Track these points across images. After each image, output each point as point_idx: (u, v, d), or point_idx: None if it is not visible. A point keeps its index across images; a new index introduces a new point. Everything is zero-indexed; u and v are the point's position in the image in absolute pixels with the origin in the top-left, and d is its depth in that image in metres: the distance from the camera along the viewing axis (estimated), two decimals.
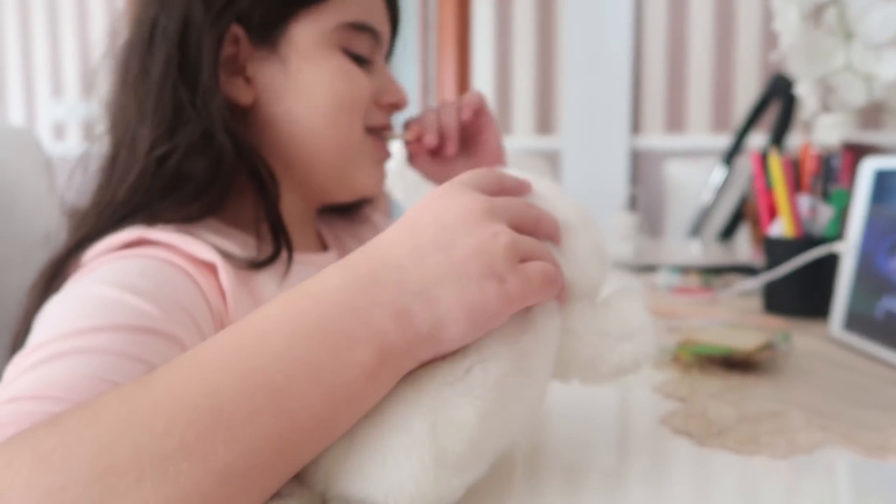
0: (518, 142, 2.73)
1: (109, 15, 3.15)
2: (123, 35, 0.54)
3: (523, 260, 0.32)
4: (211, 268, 0.46)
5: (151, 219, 0.48)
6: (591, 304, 0.38)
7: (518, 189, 0.37)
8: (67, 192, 0.56)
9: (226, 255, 0.47)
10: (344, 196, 0.61)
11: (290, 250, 0.53)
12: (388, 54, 0.64)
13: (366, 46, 0.57)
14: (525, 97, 2.71)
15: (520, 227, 0.34)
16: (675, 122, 2.57)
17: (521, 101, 2.72)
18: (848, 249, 0.68)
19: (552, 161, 2.58)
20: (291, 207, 0.58)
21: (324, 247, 0.64)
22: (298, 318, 0.29)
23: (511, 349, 0.32)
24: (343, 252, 0.63)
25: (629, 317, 0.38)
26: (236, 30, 0.53)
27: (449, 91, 2.62)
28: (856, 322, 0.64)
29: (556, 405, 0.49)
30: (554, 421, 0.46)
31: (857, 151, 0.90)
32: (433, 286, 0.30)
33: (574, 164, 2.64)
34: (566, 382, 0.38)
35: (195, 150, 0.50)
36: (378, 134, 0.60)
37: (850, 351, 0.64)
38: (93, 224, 0.49)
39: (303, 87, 0.54)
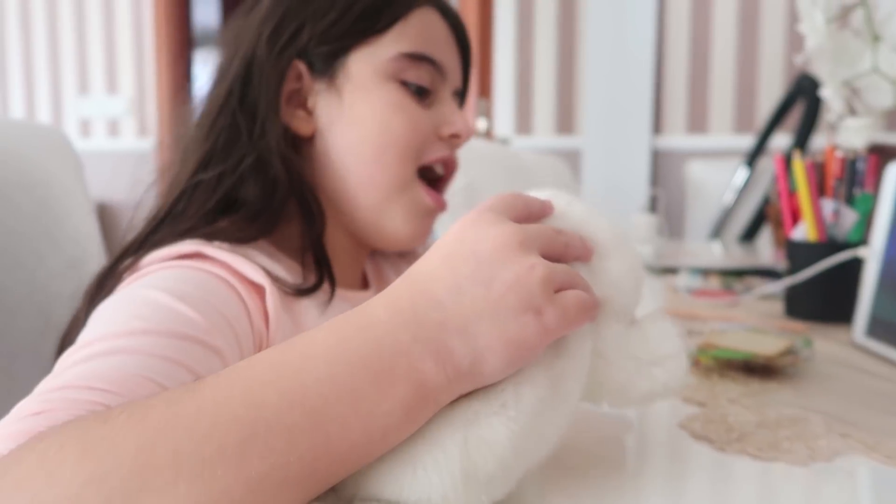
0: (539, 141, 2.72)
1: (135, 13, 3.19)
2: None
3: (558, 289, 0.33)
4: (259, 290, 0.48)
5: (209, 236, 0.50)
6: (624, 326, 0.38)
7: (543, 212, 0.38)
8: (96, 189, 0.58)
9: (274, 279, 0.48)
10: (379, 243, 0.59)
11: (333, 282, 0.54)
12: (464, 88, 0.63)
13: (426, 77, 0.56)
14: (546, 97, 2.70)
15: (550, 254, 0.34)
16: (697, 122, 2.55)
17: (542, 101, 2.72)
18: (872, 254, 0.67)
19: (573, 161, 2.57)
20: (337, 242, 0.58)
21: (366, 284, 0.64)
22: (343, 344, 0.30)
23: (545, 373, 0.33)
24: (383, 287, 0.63)
25: (661, 341, 0.38)
26: (299, 65, 0.55)
27: (471, 90, 2.62)
28: (879, 328, 0.64)
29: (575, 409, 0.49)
30: (572, 425, 0.47)
31: (882, 154, 0.89)
32: (473, 323, 0.31)
33: (595, 164, 2.63)
34: (597, 405, 0.38)
35: (250, 176, 0.52)
36: (433, 176, 0.59)
37: (873, 357, 0.63)
38: (148, 234, 0.51)
39: (355, 120, 0.55)
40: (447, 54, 0.59)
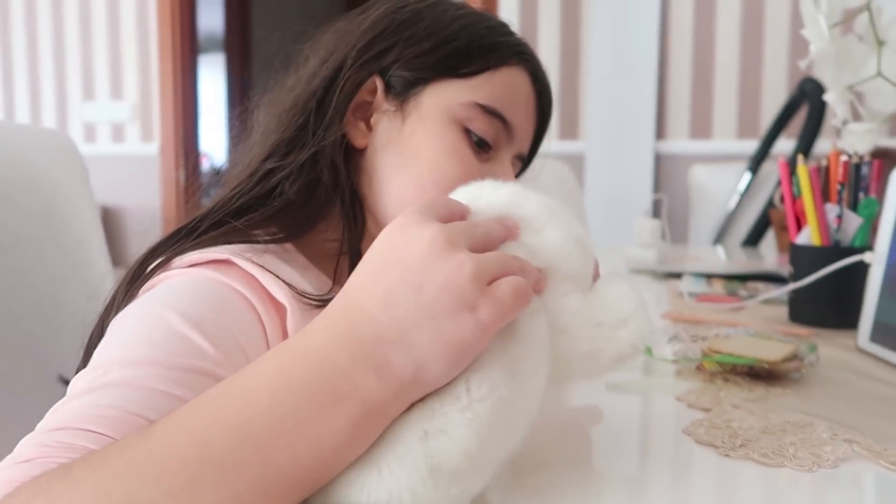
0: (542, 146, 2.72)
1: (140, 19, 3.21)
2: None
3: (492, 280, 0.33)
4: (280, 310, 0.47)
5: (240, 235, 0.50)
6: (580, 295, 0.37)
7: (465, 209, 0.38)
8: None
9: (300, 295, 0.48)
10: None
11: None
12: (528, 159, 0.63)
13: (491, 132, 0.56)
14: None
15: (476, 247, 0.34)
16: (701, 127, 2.55)
17: None
18: (876, 259, 0.67)
19: (576, 166, 2.57)
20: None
21: None
22: (283, 374, 0.31)
23: (498, 359, 0.32)
24: None
25: (620, 303, 0.38)
26: (377, 81, 0.56)
27: None
28: (884, 333, 0.64)
29: (579, 414, 0.49)
30: (577, 430, 0.47)
31: (886, 159, 0.89)
32: (408, 332, 0.31)
33: (598, 169, 2.63)
34: (570, 381, 0.38)
35: (300, 172, 0.53)
36: None
37: (878, 362, 0.63)
38: (187, 226, 0.51)
39: (407, 148, 0.55)
40: (522, 117, 0.58)
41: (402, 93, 0.56)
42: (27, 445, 0.35)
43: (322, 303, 0.50)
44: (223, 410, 0.30)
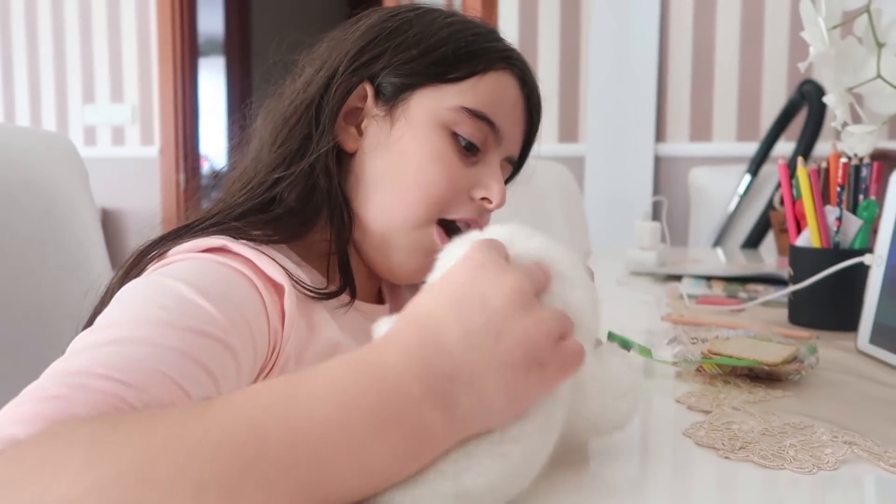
0: (542, 148, 2.72)
1: (140, 23, 3.21)
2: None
3: (556, 339, 0.34)
4: (279, 289, 0.48)
5: (238, 232, 0.51)
6: (592, 355, 0.39)
7: (507, 255, 0.38)
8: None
9: (295, 281, 0.49)
10: (383, 272, 0.60)
11: (353, 290, 0.55)
12: (522, 159, 0.64)
13: (478, 136, 0.57)
14: (550, 105, 2.71)
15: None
16: (701, 129, 2.55)
17: (545, 109, 2.72)
18: (876, 261, 0.67)
19: (576, 168, 2.57)
20: (358, 254, 0.59)
21: (381, 298, 0.65)
22: (353, 389, 0.31)
23: (537, 410, 0.34)
24: (398, 303, 0.64)
25: (621, 374, 0.40)
26: (367, 87, 0.57)
27: None
28: (884, 335, 0.64)
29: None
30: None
31: (886, 161, 0.89)
32: (482, 376, 0.31)
33: (598, 171, 2.63)
34: (572, 438, 0.39)
35: (297, 179, 0.54)
36: (454, 227, 0.59)
37: (878, 364, 0.63)
38: (187, 226, 0.52)
39: (394, 152, 0.56)
40: (510, 121, 0.59)
41: (391, 98, 0.57)
42: (52, 380, 0.35)
43: (318, 294, 0.51)
44: (285, 409, 0.30)
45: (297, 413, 0.30)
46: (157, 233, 0.53)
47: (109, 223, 3.20)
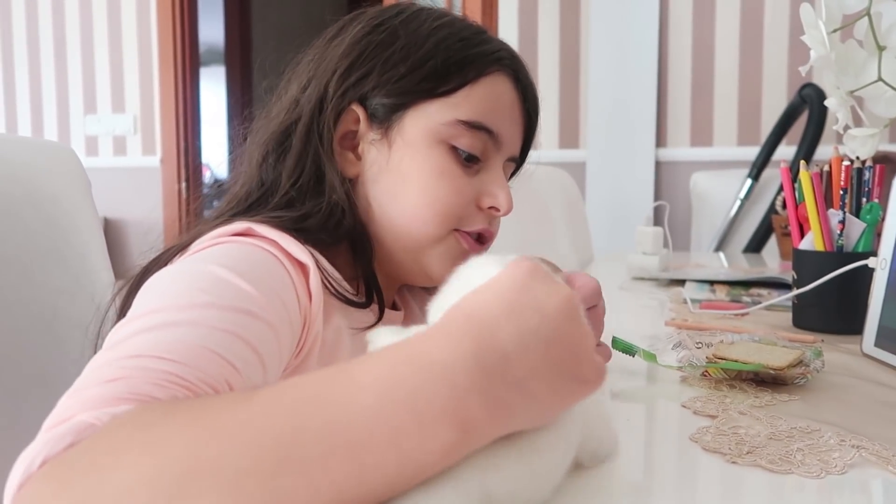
0: (543, 154, 2.72)
1: (141, 33, 3.22)
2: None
3: None
4: (304, 268, 0.49)
5: (260, 218, 0.52)
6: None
7: None
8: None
9: (323, 273, 0.50)
10: (423, 281, 0.61)
11: (382, 308, 0.57)
12: (524, 155, 0.64)
13: (478, 146, 0.56)
14: (550, 110, 2.71)
15: None
16: (702, 134, 2.55)
17: (546, 115, 2.72)
18: (880, 264, 0.67)
19: (577, 174, 2.57)
20: (378, 269, 0.60)
21: (394, 304, 0.65)
22: (395, 381, 0.30)
23: (562, 423, 0.35)
24: (408, 310, 0.66)
25: (601, 411, 0.41)
26: (357, 109, 0.56)
27: None
28: (889, 338, 0.63)
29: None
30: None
31: (888, 164, 0.89)
32: (531, 379, 0.31)
33: (599, 176, 2.63)
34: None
35: (317, 202, 0.55)
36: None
37: (884, 367, 0.63)
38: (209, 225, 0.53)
39: (397, 175, 0.56)
40: (508, 123, 0.58)
41: (384, 120, 0.56)
42: (107, 367, 0.35)
43: (347, 301, 0.53)
44: (325, 398, 0.30)
45: (335, 402, 0.29)
46: (160, 242, 0.54)
47: (112, 233, 3.21)
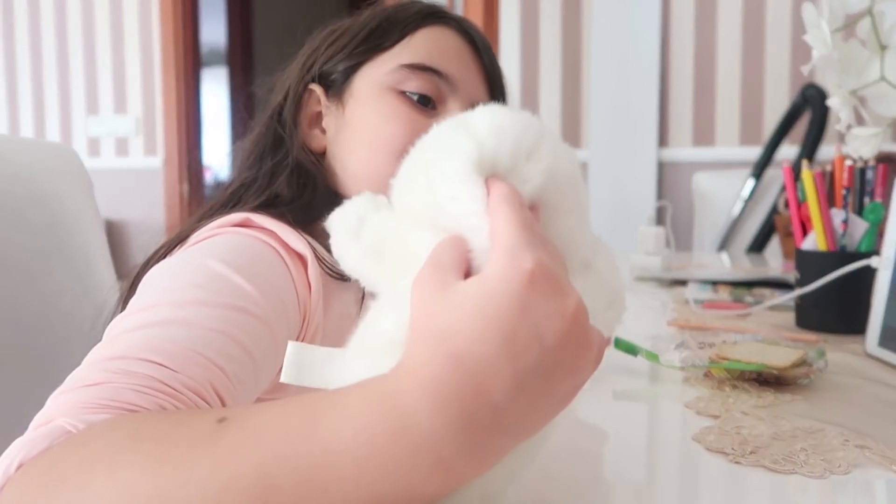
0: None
1: (143, 34, 3.23)
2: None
3: None
4: (302, 259, 0.50)
5: (257, 209, 0.53)
6: (581, 271, 0.35)
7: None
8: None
9: (318, 258, 0.51)
10: None
11: None
12: (498, 100, 0.63)
13: (428, 86, 0.57)
14: (552, 110, 2.71)
15: None
16: (704, 134, 2.55)
17: (548, 115, 2.72)
18: (883, 263, 0.67)
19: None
20: None
21: None
22: (373, 449, 0.27)
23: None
24: None
25: (608, 281, 0.36)
26: (315, 88, 0.60)
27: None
28: (892, 338, 0.63)
29: (588, 422, 0.49)
30: (586, 438, 0.46)
31: (891, 163, 0.89)
32: (527, 417, 0.28)
33: (601, 176, 2.63)
34: None
35: (287, 177, 0.57)
36: None
37: (887, 367, 0.62)
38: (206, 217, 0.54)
39: (351, 130, 0.59)
40: (459, 67, 0.59)
41: (339, 90, 0.60)
42: (90, 370, 0.36)
43: (340, 275, 0.52)
44: (297, 460, 0.27)
45: (309, 465, 0.27)
46: (160, 243, 0.54)
47: (113, 234, 3.21)
